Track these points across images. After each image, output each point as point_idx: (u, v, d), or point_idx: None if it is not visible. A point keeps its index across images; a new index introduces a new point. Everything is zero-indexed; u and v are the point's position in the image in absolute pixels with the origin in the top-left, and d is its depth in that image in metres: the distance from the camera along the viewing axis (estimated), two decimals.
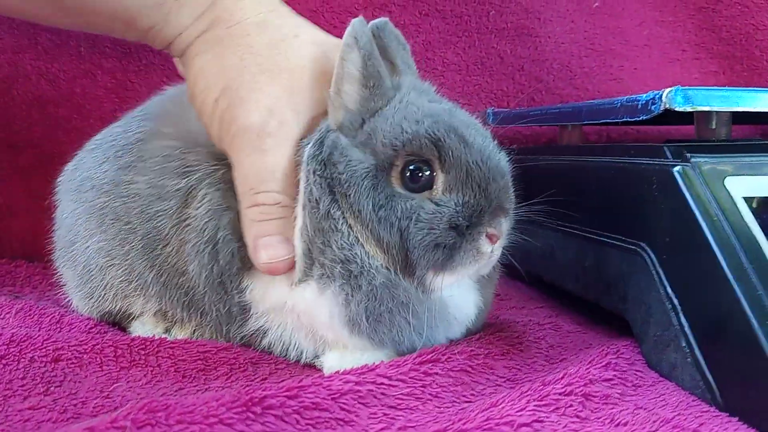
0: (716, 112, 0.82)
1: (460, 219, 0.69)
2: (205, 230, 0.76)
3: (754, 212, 0.68)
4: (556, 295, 1.06)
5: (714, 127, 0.84)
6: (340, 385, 0.61)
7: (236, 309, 0.77)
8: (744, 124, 1.39)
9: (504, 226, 0.72)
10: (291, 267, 0.72)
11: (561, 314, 0.97)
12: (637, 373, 0.72)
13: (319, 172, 0.71)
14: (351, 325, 0.70)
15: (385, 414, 0.61)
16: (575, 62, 1.43)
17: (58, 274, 0.93)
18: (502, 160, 0.74)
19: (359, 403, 0.61)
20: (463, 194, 0.70)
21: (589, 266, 0.88)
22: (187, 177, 0.78)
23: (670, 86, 0.75)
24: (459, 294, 0.75)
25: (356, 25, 0.71)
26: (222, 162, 0.77)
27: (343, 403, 0.60)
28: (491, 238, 0.70)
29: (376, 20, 0.79)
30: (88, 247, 0.84)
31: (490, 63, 1.40)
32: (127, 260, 0.82)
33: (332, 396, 0.60)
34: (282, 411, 0.57)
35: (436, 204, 0.69)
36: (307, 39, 0.78)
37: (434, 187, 0.70)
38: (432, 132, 0.70)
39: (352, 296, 0.69)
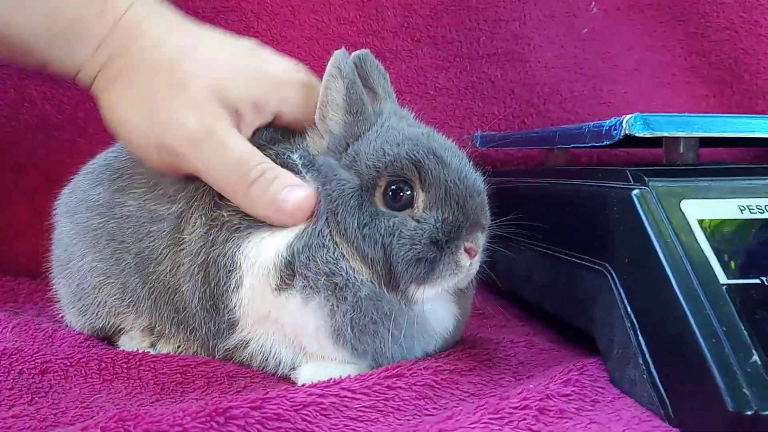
0: (682, 137, 0.85)
1: (440, 234, 0.73)
2: (199, 254, 0.79)
3: (707, 234, 0.70)
4: (540, 315, 1.08)
5: (682, 151, 0.86)
6: (303, 398, 0.64)
7: (225, 326, 0.80)
8: (736, 147, 1.42)
9: (481, 240, 0.77)
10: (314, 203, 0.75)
11: (539, 333, 0.99)
12: (598, 389, 0.74)
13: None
14: (336, 336, 0.73)
15: (346, 425, 0.64)
16: (565, 86, 1.47)
17: (54, 290, 0.97)
18: (477, 179, 0.78)
19: (321, 414, 0.64)
20: (443, 211, 0.74)
21: (562, 286, 0.91)
22: (176, 203, 0.82)
23: (661, 110, 0.78)
24: (438, 306, 0.79)
25: (339, 55, 0.76)
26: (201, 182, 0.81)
27: (305, 415, 0.63)
28: (469, 252, 0.75)
29: (358, 51, 0.84)
30: (83, 265, 0.88)
31: (481, 87, 1.44)
32: (120, 278, 0.85)
33: (295, 408, 0.63)
34: (245, 421, 0.60)
35: (417, 221, 0.74)
36: (206, 50, 0.80)
37: (415, 205, 0.75)
38: (412, 154, 0.74)
39: (338, 307, 0.73)
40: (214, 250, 0.77)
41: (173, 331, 0.84)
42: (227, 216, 0.77)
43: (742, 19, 1.51)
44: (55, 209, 0.96)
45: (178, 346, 0.85)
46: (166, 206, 0.83)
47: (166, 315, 0.84)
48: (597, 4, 1.47)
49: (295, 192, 0.75)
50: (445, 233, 0.74)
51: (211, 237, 0.78)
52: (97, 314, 0.88)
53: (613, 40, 1.49)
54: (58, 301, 0.96)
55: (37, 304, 1.13)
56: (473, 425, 0.62)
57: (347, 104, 0.77)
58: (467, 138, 1.37)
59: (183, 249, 0.80)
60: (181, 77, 0.78)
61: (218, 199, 0.79)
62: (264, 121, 0.82)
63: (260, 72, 0.81)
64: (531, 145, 1.07)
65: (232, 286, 0.76)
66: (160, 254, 0.82)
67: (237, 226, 0.77)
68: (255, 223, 0.76)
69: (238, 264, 0.75)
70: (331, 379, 0.70)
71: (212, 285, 0.78)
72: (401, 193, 0.74)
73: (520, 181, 1.05)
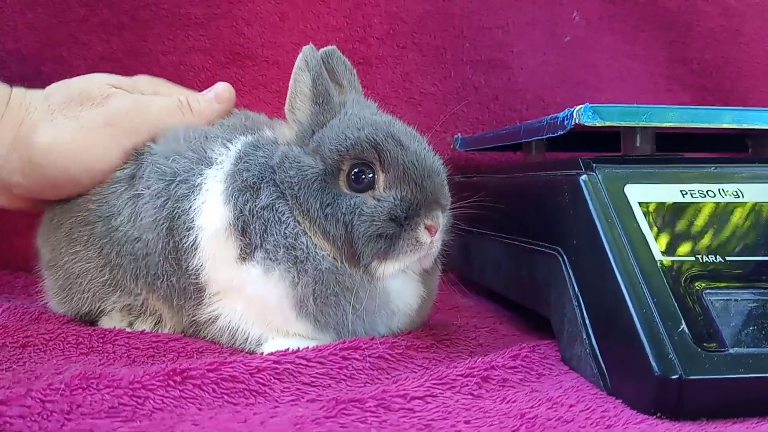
0: (638, 128, 0.88)
1: (399, 211, 0.77)
2: (164, 207, 0.84)
3: (647, 215, 0.74)
4: (517, 309, 1.11)
5: (639, 144, 0.90)
6: (259, 362, 0.68)
7: (191, 288, 0.83)
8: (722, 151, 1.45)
9: (441, 219, 0.80)
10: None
11: (506, 322, 1.02)
12: (547, 365, 0.78)
13: (257, 165, 0.81)
14: (299, 307, 0.78)
15: (298, 389, 0.68)
16: (548, 93, 1.51)
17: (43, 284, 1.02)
18: (436, 161, 0.83)
19: (275, 378, 0.68)
20: (401, 190, 0.78)
21: (523, 273, 0.95)
22: (127, 168, 0.90)
23: None
24: (402, 285, 0.83)
25: (307, 51, 0.82)
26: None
27: (260, 378, 0.67)
28: (429, 230, 0.78)
29: (326, 48, 0.89)
30: (66, 261, 0.94)
31: (465, 93, 1.48)
32: (94, 249, 0.91)
33: (250, 371, 0.67)
34: (201, 381, 0.65)
35: (378, 200, 0.78)
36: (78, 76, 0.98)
37: (376, 186, 0.79)
38: (372, 137, 0.79)
39: (299, 279, 0.77)
40: (177, 205, 0.83)
41: (134, 284, 0.89)
42: (180, 165, 0.85)
43: (723, 27, 1.56)
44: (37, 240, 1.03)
45: (155, 324, 0.90)
46: (119, 171, 0.91)
47: (126, 264, 0.88)
48: (579, 13, 1.52)
49: (216, 87, 0.98)
50: (404, 210, 0.78)
51: (173, 191, 0.83)
52: (81, 300, 0.93)
53: (595, 48, 1.53)
54: (46, 292, 1.01)
55: (31, 296, 1.18)
56: (416, 389, 0.66)
57: (314, 94, 0.82)
58: (450, 141, 1.41)
59: (141, 200, 0.86)
60: (81, 90, 0.93)
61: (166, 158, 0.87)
62: None
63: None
64: (502, 141, 1.11)
65: (190, 244, 0.81)
66: (117, 209, 0.89)
67: (187, 177, 0.84)
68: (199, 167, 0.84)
69: (192, 220, 0.81)
70: (289, 348, 0.74)
71: (176, 238, 0.83)
72: (363, 176, 0.79)
73: (488, 177, 1.09)
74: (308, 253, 0.77)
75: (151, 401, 0.61)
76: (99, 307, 0.93)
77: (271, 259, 0.77)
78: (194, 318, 0.85)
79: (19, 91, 0.96)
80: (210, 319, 0.84)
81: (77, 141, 0.90)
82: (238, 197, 0.79)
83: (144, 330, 0.88)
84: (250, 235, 0.78)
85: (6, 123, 0.92)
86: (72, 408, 0.58)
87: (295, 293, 0.77)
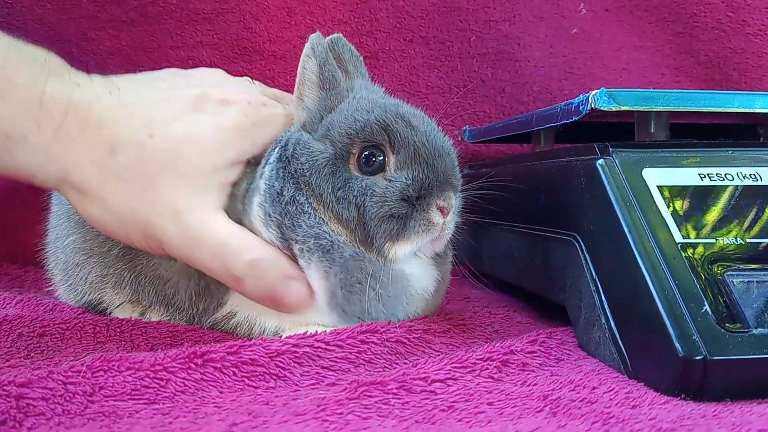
0: (653, 114, 0.88)
1: (410, 191, 0.77)
2: None
3: (666, 199, 0.74)
4: (529, 299, 1.11)
5: (653, 130, 0.90)
6: (278, 346, 0.68)
7: (214, 305, 0.84)
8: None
9: (453, 200, 0.80)
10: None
11: (519, 310, 1.02)
12: (565, 350, 0.78)
13: (282, 168, 0.80)
14: (329, 298, 0.77)
15: (317, 373, 0.68)
16: (555, 85, 1.51)
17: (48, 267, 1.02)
18: (446, 142, 0.82)
19: (294, 362, 0.68)
20: (412, 170, 0.78)
21: (537, 262, 0.94)
22: None
23: None
24: (418, 269, 0.82)
25: (313, 39, 0.82)
26: None
27: (279, 361, 0.67)
28: (442, 211, 0.78)
29: (332, 35, 0.89)
30: (67, 244, 0.94)
31: (472, 86, 1.49)
32: (105, 259, 0.90)
33: (269, 354, 0.67)
34: (221, 364, 0.64)
35: (389, 180, 0.78)
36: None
37: (387, 168, 0.79)
38: (381, 119, 0.79)
39: (330, 268, 0.76)
40: None
41: (158, 307, 0.89)
42: None
43: (729, 18, 1.55)
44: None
45: (169, 319, 0.89)
46: None
47: (152, 294, 0.88)
48: (586, 6, 1.52)
49: (293, 287, 0.77)
50: (416, 190, 0.77)
51: None
52: (83, 290, 0.94)
53: (602, 41, 1.53)
54: (51, 278, 1.02)
55: (41, 290, 1.18)
56: (437, 372, 0.65)
57: (320, 81, 0.82)
58: (457, 134, 1.41)
59: None
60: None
61: None
62: None
63: None
64: (513, 130, 1.11)
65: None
66: None
67: None
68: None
69: None
70: (307, 331, 0.74)
71: (208, 277, 0.80)
72: (373, 159, 0.79)
73: (499, 167, 1.09)
74: (332, 241, 0.77)
75: (173, 384, 0.61)
76: (102, 297, 0.92)
77: (307, 249, 0.76)
78: (212, 318, 0.85)
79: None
80: (228, 315, 0.83)
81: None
82: (273, 214, 0.78)
83: (160, 321, 0.88)
84: (285, 233, 0.77)
85: (53, 152, 0.73)
86: (95, 390, 0.58)
87: (326, 284, 0.77)
